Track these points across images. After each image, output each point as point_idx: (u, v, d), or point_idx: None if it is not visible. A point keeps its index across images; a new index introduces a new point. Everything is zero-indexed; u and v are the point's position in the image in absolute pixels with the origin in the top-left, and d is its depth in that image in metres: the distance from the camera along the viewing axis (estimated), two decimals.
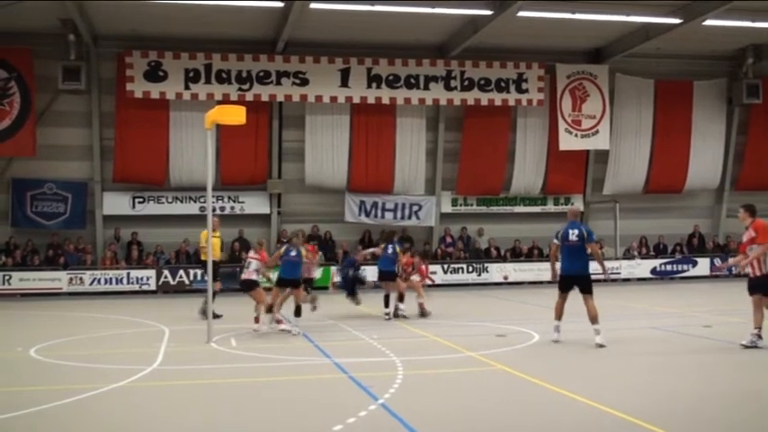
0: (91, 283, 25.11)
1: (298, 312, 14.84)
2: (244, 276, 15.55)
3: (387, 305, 17.25)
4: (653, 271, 29.10)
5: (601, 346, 12.68)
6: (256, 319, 15.14)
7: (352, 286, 17.74)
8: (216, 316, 16.04)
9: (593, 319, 13.03)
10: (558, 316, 13.50)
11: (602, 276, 14.25)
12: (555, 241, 13.70)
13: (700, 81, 30.23)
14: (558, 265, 13.55)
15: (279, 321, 14.97)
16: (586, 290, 13.27)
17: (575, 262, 13.37)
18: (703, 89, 30.27)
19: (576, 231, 13.39)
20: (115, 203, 26.69)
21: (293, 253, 14.96)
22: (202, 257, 17.61)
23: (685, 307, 19.51)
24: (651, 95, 30.04)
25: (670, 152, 30.02)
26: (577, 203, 29.93)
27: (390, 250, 17.56)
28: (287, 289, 15.06)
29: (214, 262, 16.46)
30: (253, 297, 15.30)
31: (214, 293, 17.03)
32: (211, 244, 14.88)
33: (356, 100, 27.16)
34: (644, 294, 23.73)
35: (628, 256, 29.48)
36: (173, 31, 25.47)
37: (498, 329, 15.10)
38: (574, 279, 13.35)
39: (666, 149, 30.04)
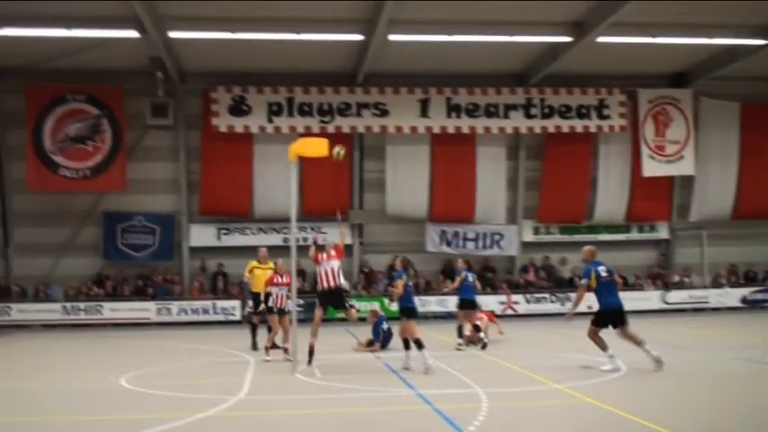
0: (178, 314, 25.59)
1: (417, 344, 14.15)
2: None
3: (460, 335, 17.22)
4: (743, 300, 28.20)
5: (659, 360, 13.23)
6: (266, 349, 15.93)
7: (385, 341, 17.48)
8: (277, 347, 16.37)
9: (642, 341, 13.66)
10: (605, 347, 13.78)
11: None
12: (585, 281, 14.09)
13: None
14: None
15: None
16: (626, 320, 13.98)
17: (616, 296, 14.17)
18: None
19: (604, 267, 14.12)
20: (201, 235, 27.21)
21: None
22: (253, 289, 17.79)
23: None
24: (737, 119, 29.33)
25: (759, 176, 29.22)
26: (663, 231, 29.52)
27: (471, 279, 17.46)
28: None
29: (257, 293, 17.17)
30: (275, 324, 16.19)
31: (255, 325, 17.44)
32: (256, 275, 16.93)
33: (436, 130, 27.19)
34: (734, 323, 23.03)
35: (716, 284, 28.69)
36: (256, 66, 25.99)
37: (583, 361, 14.83)
38: (618, 312, 13.95)
39: (755, 174, 29.27)
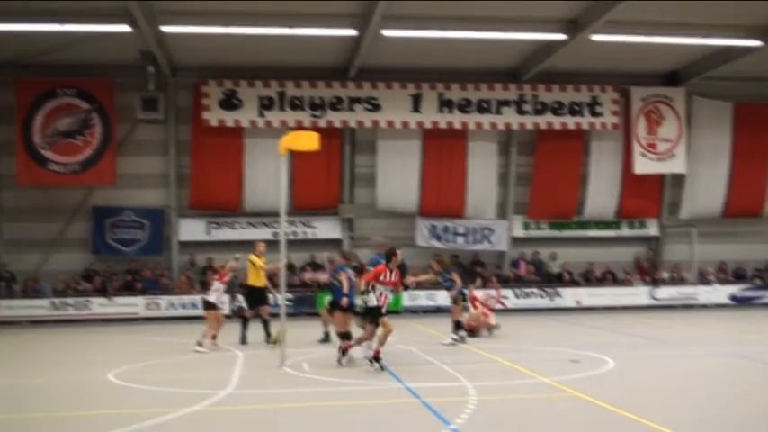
0: (167, 308, 25.58)
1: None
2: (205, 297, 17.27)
3: (455, 330, 17.43)
4: (732, 297, 28.39)
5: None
6: (199, 343, 16.32)
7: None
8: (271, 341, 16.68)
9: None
10: None
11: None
12: None
13: None
14: None
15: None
16: None
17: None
18: None
19: None
20: (190, 230, 27.21)
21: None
22: (249, 282, 18.06)
23: (765, 334, 19.04)
24: (729, 118, 29.45)
25: (749, 176, 29.40)
26: (652, 227, 29.74)
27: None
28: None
29: (255, 288, 17.73)
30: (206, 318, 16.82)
31: (246, 319, 17.71)
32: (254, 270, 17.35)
33: (428, 125, 27.26)
34: (722, 320, 23.19)
35: (704, 281, 28.84)
36: (247, 60, 26.00)
37: (572, 355, 14.91)
38: None
39: (746, 173, 29.41)
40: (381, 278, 13.48)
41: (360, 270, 15.28)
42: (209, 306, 16.90)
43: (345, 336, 14.39)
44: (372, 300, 13.43)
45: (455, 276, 17.76)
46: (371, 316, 13.55)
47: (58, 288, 25.78)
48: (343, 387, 11.90)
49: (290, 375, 13.04)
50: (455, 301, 17.55)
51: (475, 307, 19.17)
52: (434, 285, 20.66)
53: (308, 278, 21.69)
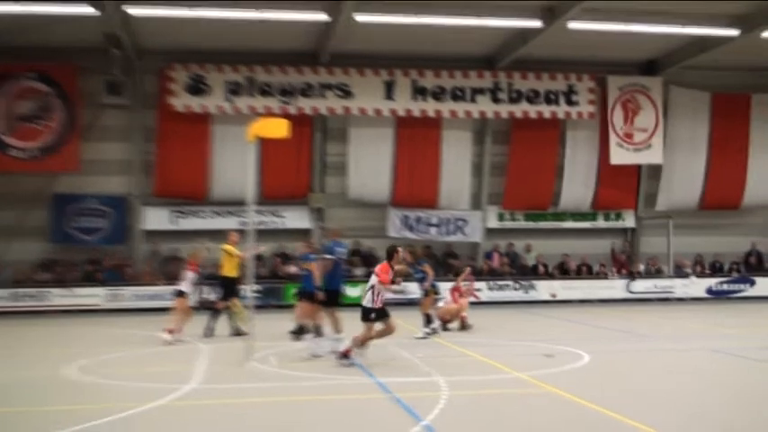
0: (130, 300, 25.36)
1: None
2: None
3: (426, 324, 17.45)
4: (708, 291, 28.64)
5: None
6: (170, 331, 16.37)
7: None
8: (239, 333, 16.68)
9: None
10: None
11: None
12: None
13: (759, 94, 29.82)
14: None
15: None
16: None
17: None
18: (763, 102, 29.81)
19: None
20: (155, 218, 26.97)
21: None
22: (224, 272, 17.92)
23: (742, 328, 19.17)
24: (707, 108, 29.69)
25: (727, 167, 29.65)
26: (629, 219, 29.94)
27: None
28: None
29: (230, 278, 17.64)
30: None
31: (217, 311, 17.57)
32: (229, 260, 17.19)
33: (401, 112, 27.24)
34: (699, 314, 23.37)
35: (680, 274, 29.06)
36: (216, 44, 25.80)
37: (546, 349, 14.96)
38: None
39: (723, 164, 29.66)
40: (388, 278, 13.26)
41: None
42: (180, 295, 16.90)
43: (302, 329, 14.62)
44: (369, 300, 13.20)
45: (427, 268, 17.81)
46: (372, 316, 13.26)
47: (17, 278, 25.44)
48: (312, 382, 11.83)
49: (257, 370, 12.94)
50: (426, 293, 17.52)
51: (455, 300, 19.08)
52: (406, 277, 20.59)
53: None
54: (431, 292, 17.67)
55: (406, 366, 13.21)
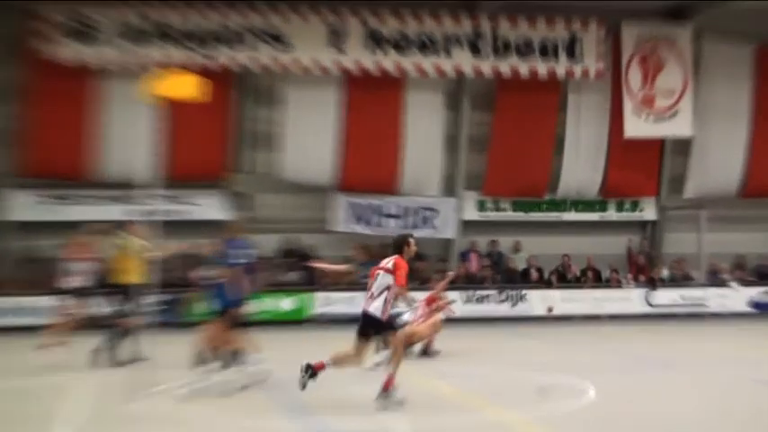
0: None
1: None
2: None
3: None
4: (752, 303, 28.68)
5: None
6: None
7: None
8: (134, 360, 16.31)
9: None
10: None
11: None
12: None
13: None
14: None
15: None
16: None
17: None
18: None
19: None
20: (21, 205, 26.48)
21: None
22: (122, 277, 17.47)
23: None
24: (749, 65, 29.87)
25: None
26: (649, 210, 30.14)
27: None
28: None
29: (129, 286, 16.93)
30: None
31: (126, 330, 17.20)
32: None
33: (351, 67, 27.04)
34: (741, 335, 23.63)
35: (716, 281, 29.08)
36: None
37: (540, 381, 14.61)
38: None
39: None
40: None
41: None
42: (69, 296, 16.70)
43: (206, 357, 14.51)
44: (378, 308, 12.80)
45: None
46: (377, 330, 13.10)
47: None
48: (219, 428, 11.57)
49: (151, 411, 12.53)
50: None
51: (427, 316, 18.54)
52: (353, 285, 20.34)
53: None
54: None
55: (354, 406, 12.94)
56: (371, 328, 12.88)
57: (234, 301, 14.63)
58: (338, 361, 12.85)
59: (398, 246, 13.15)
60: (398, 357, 12.70)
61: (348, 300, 25.16)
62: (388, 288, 12.73)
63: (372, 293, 12.85)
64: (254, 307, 15.58)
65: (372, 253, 18.34)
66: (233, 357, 14.82)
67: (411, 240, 13.30)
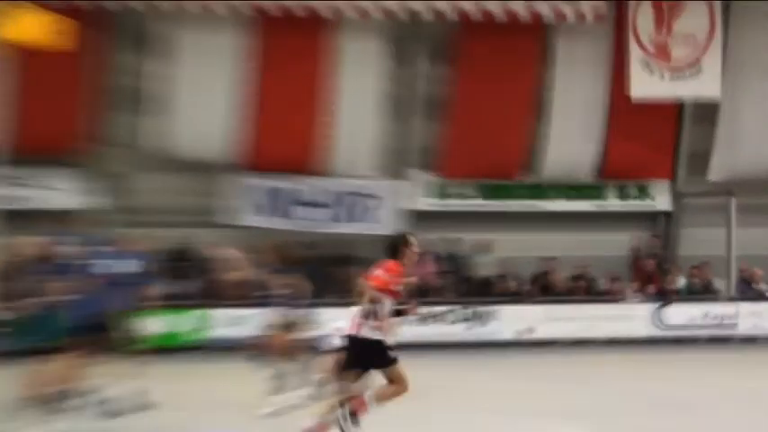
0: None
1: None
2: None
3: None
4: None
5: None
6: None
7: None
8: None
9: None
10: None
11: None
12: None
13: None
14: None
15: None
16: None
17: None
18: None
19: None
20: None
21: None
22: None
23: None
24: None
25: None
26: (661, 197, 30.22)
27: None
28: None
29: None
30: None
31: None
32: None
33: (266, 5, 26.84)
34: None
35: (748, 293, 29.00)
36: None
37: (515, 428, 14.62)
38: None
39: None
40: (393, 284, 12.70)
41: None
42: None
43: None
44: (371, 329, 12.75)
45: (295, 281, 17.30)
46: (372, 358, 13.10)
47: None
48: None
49: None
50: (286, 325, 17.01)
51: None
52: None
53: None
54: (291, 324, 17.13)
55: None
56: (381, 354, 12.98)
57: (90, 322, 14.41)
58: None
59: (393, 247, 12.89)
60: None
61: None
62: (377, 302, 12.63)
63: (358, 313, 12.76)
64: (124, 330, 15.22)
65: (286, 257, 17.76)
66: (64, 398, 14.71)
67: (411, 240, 13.06)
